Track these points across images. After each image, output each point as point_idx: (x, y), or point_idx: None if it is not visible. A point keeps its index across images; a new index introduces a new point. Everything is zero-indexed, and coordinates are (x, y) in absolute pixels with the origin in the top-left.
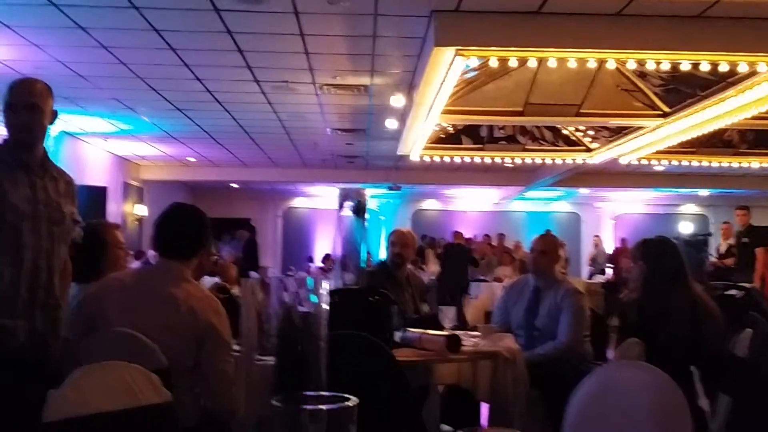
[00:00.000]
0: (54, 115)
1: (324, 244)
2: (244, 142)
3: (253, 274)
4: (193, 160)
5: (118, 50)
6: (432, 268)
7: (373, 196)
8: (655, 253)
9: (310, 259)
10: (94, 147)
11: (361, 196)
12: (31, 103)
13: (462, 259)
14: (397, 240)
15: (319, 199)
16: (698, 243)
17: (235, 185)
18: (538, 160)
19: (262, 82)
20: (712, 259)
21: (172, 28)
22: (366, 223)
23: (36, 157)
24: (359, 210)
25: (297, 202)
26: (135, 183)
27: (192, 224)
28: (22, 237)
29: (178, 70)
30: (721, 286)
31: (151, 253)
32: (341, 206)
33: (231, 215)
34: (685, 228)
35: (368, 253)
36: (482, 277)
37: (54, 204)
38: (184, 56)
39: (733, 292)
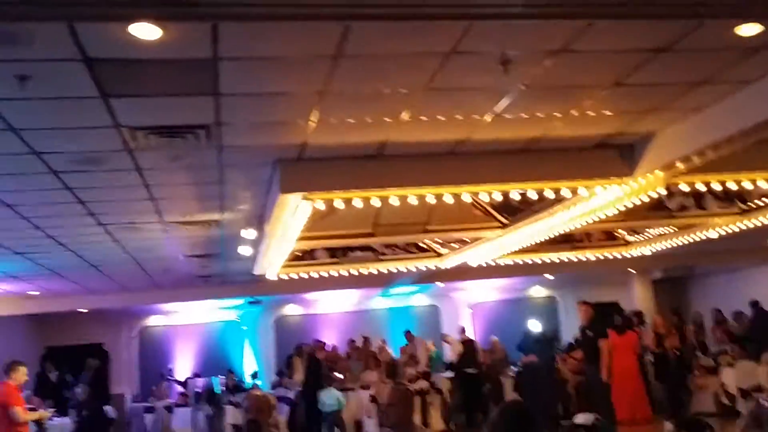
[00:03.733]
0: None
1: (184, 361)
2: (91, 273)
3: (109, 408)
4: (36, 293)
5: None
6: (298, 378)
7: (233, 306)
8: None
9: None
10: None
11: None
12: None
13: (318, 375)
14: (251, 406)
15: (177, 315)
16: (548, 340)
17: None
18: (393, 269)
19: (107, 225)
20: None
21: (7, 189)
22: None
23: None
24: None
25: (153, 320)
26: None
27: None
28: None
29: (16, 222)
30: None
31: None
32: None
33: (81, 341)
34: (534, 326)
35: None
36: (350, 386)
37: None
38: (22, 211)
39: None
